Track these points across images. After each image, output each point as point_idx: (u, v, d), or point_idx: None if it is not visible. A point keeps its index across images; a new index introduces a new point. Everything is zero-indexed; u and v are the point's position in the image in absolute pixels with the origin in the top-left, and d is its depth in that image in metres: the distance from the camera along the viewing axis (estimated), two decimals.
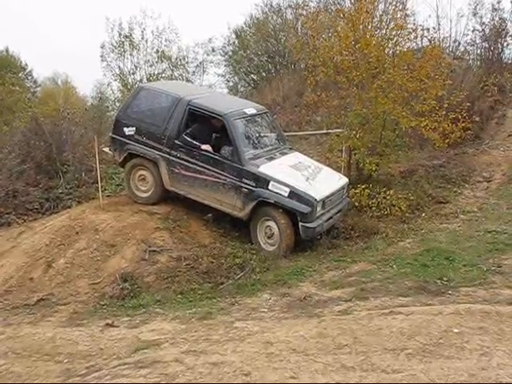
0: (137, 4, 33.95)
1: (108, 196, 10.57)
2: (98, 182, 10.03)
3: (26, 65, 26.20)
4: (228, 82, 24.54)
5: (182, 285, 7.50)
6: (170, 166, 9.15)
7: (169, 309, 6.69)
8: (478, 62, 16.14)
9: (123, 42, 17.68)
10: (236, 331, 5.58)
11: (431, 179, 11.37)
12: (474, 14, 15.73)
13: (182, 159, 9.04)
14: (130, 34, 17.75)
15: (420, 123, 10.35)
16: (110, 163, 11.70)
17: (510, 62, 15.88)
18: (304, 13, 20.25)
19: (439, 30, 15.54)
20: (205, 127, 9.18)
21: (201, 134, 9.03)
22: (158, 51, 17.87)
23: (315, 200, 8.38)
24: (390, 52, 11.49)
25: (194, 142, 8.92)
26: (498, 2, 15.67)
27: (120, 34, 17.63)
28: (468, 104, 12.23)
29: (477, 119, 12.43)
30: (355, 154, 10.91)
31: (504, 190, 10.86)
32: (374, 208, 9.85)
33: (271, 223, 8.58)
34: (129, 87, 17.57)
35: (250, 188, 8.60)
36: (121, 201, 9.78)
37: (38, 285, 7.71)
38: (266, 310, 6.25)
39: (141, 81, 17.69)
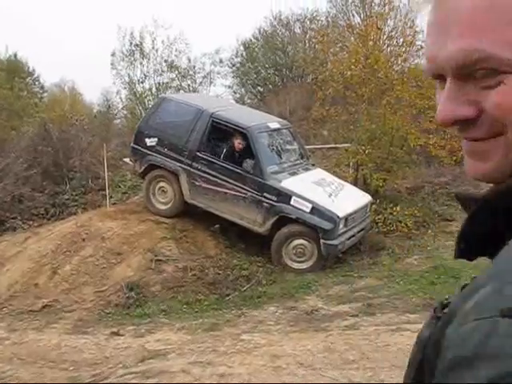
0: (149, 14, 34.17)
1: (114, 204, 10.57)
2: (104, 190, 10.06)
3: (34, 70, 26.23)
4: (235, 93, 24.63)
5: (187, 295, 7.50)
6: (190, 178, 8.98)
7: (175, 319, 6.68)
8: None
9: (133, 51, 17.74)
10: (243, 343, 5.57)
11: (438, 196, 11.37)
12: None
13: (204, 172, 8.88)
14: (141, 43, 17.81)
15: (428, 140, 10.37)
16: (116, 171, 11.72)
17: None
18: (313, 27, 20.42)
19: None
20: (227, 141, 9.05)
21: (223, 148, 8.93)
22: (167, 61, 17.93)
23: (338, 217, 8.21)
24: (399, 68, 11.54)
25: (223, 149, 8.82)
26: None
27: (131, 43, 17.70)
28: None
29: None
30: (362, 170, 10.91)
31: None
32: (380, 224, 9.82)
33: (303, 241, 8.40)
34: (137, 96, 17.61)
35: (272, 203, 8.44)
36: (128, 209, 9.78)
37: (43, 291, 7.70)
38: (272, 322, 6.24)
39: (150, 90, 17.72)
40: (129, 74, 17.79)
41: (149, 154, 9.30)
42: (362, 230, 9.06)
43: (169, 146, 9.15)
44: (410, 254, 8.82)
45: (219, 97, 21.29)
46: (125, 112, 19.45)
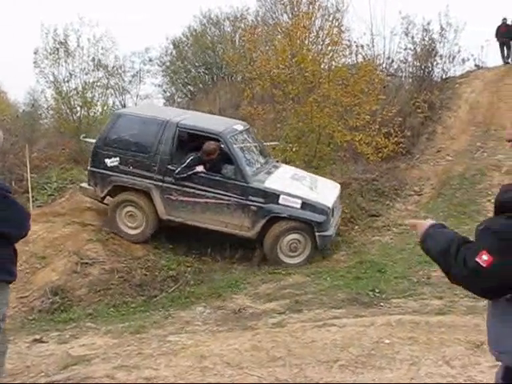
0: (74, 11, 33.34)
1: (39, 206, 10.23)
2: (28, 192, 9.72)
3: None
4: (165, 92, 24.47)
5: (114, 298, 7.35)
6: (164, 193, 8.55)
7: (101, 323, 6.52)
8: (410, 80, 16.68)
9: (58, 49, 17.21)
10: (169, 345, 5.49)
11: (364, 193, 11.59)
12: (406, 34, 16.28)
13: (179, 184, 8.51)
14: (66, 41, 17.29)
15: (354, 137, 10.59)
16: (41, 172, 11.37)
17: (439, 80, 16.51)
18: (242, 25, 20.51)
19: (373, 47, 15.96)
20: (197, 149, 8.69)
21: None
22: (94, 59, 17.51)
23: (328, 208, 8.36)
24: (326, 67, 11.73)
25: (197, 169, 8.46)
26: (428, 24, 16.35)
27: (55, 41, 17.16)
28: (400, 119, 12.65)
29: (408, 134, 12.80)
30: None
31: (433, 204, 11.20)
32: None
33: (296, 236, 8.41)
34: (63, 95, 17.11)
35: (259, 205, 8.32)
36: (52, 211, 9.49)
37: None
38: (200, 323, 6.19)
39: (76, 89, 17.26)
40: (53, 73, 17.23)
41: (112, 175, 8.73)
42: (339, 217, 9.29)
43: (134, 164, 8.62)
44: (338, 250, 8.97)
45: (149, 96, 21.10)
46: (51, 112, 18.88)
